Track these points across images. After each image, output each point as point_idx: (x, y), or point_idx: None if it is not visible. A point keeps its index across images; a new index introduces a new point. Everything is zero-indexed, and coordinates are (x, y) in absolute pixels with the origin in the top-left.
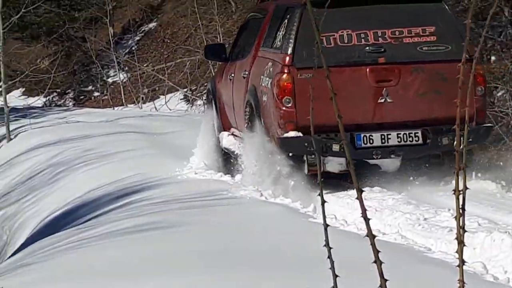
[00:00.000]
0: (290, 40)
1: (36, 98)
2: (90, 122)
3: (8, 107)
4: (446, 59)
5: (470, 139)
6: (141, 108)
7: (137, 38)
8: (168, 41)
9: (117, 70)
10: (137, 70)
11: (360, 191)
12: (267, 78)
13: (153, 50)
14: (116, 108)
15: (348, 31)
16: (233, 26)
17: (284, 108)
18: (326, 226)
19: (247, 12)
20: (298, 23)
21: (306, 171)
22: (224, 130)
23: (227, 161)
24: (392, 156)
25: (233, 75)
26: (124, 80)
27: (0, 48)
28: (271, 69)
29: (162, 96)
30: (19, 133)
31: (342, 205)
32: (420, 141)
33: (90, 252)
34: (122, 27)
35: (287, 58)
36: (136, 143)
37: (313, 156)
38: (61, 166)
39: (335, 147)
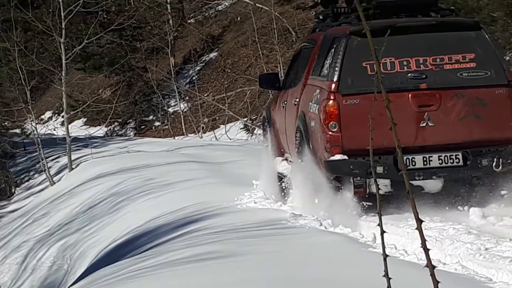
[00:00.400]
0: (336, 68)
1: (98, 127)
2: (150, 152)
3: (70, 136)
4: (485, 85)
5: (509, 160)
6: (201, 137)
7: (198, 68)
8: (229, 71)
9: (178, 100)
10: (198, 100)
11: (419, 221)
12: (315, 105)
13: (213, 79)
14: (176, 138)
15: (391, 59)
16: None
17: (330, 132)
18: (385, 256)
19: None
20: (344, 52)
21: (352, 192)
22: (279, 156)
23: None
24: (434, 177)
25: (285, 102)
26: (185, 110)
27: (63, 78)
28: (318, 96)
29: (222, 126)
30: (81, 162)
31: (402, 235)
32: (461, 163)
33: (150, 281)
34: (183, 57)
35: (333, 85)
36: (196, 173)
37: (358, 178)
38: (122, 195)
39: (379, 169)
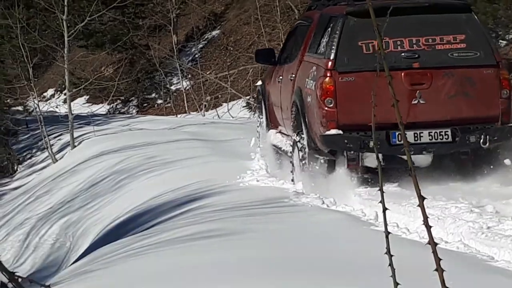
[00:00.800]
0: (333, 47)
1: (100, 105)
2: (153, 130)
3: (72, 114)
4: (474, 65)
5: (495, 137)
6: (204, 115)
7: (200, 45)
8: (231, 49)
9: (180, 78)
10: (200, 78)
11: (422, 199)
12: (312, 81)
13: (216, 57)
14: (179, 116)
15: (385, 39)
16: None
17: (326, 108)
18: (387, 233)
19: None
20: (340, 32)
21: (346, 165)
22: (272, 129)
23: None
24: (424, 152)
25: (281, 77)
26: (187, 88)
27: (65, 55)
28: (315, 72)
29: (224, 104)
30: (83, 140)
31: (404, 213)
32: (450, 139)
33: (152, 259)
34: (186, 35)
35: (330, 63)
36: (198, 151)
37: (352, 152)
38: (124, 173)
39: (372, 144)
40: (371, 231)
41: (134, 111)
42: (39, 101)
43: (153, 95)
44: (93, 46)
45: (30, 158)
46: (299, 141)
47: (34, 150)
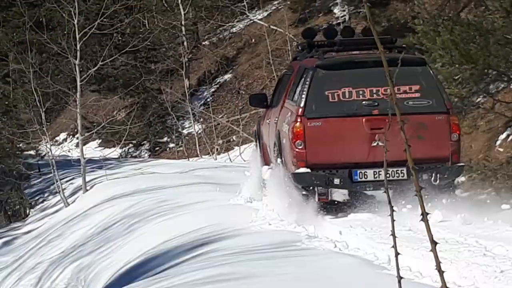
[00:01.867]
0: (303, 95)
1: (112, 149)
2: (165, 173)
3: (84, 158)
4: (427, 112)
5: (445, 176)
6: (216, 159)
7: (212, 89)
8: (243, 93)
9: (192, 122)
10: (212, 121)
11: (434, 243)
12: (286, 125)
13: (227, 101)
14: (191, 159)
15: (349, 89)
16: None
17: (296, 149)
18: (399, 278)
19: None
20: (310, 82)
21: (316, 199)
22: (265, 165)
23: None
24: (382, 189)
25: (269, 120)
26: (199, 131)
27: (77, 100)
28: (289, 117)
29: (236, 147)
30: (95, 184)
31: (417, 257)
32: (405, 177)
33: None
34: (198, 79)
35: (300, 110)
36: (210, 194)
37: (321, 188)
38: (136, 217)
39: (336, 181)
40: (384, 276)
41: (146, 155)
42: (51, 145)
43: (165, 139)
44: (105, 90)
45: (42, 202)
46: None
47: (46, 194)
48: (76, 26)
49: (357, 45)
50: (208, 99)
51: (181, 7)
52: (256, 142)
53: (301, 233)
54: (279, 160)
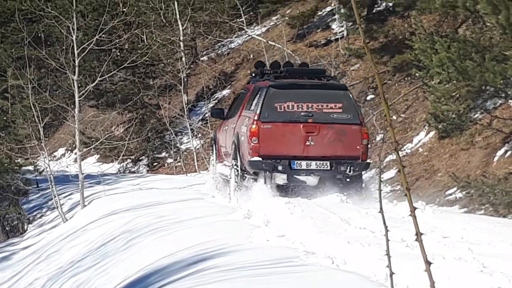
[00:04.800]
0: (259, 106)
1: (111, 164)
2: (163, 189)
3: (82, 173)
4: (346, 123)
5: (357, 169)
6: None
7: (211, 105)
8: None
9: (191, 137)
10: (210, 137)
11: (428, 264)
12: (245, 127)
13: None
14: (189, 175)
15: (292, 103)
16: None
17: (252, 144)
18: None
19: None
20: (264, 97)
21: (263, 181)
22: (220, 162)
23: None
24: (312, 175)
25: (226, 127)
26: (197, 147)
27: (76, 115)
28: (247, 121)
29: None
30: (93, 199)
31: (414, 274)
32: (328, 168)
33: None
34: (196, 94)
35: (256, 116)
36: (209, 210)
37: (267, 173)
38: (134, 232)
39: (279, 167)
40: None
41: (144, 170)
42: (49, 160)
43: (163, 154)
44: (103, 106)
45: (40, 217)
46: (235, 165)
47: (44, 210)
48: (74, 41)
49: (298, 73)
50: (206, 115)
51: (179, 22)
52: (212, 146)
53: (299, 249)
54: (237, 154)
